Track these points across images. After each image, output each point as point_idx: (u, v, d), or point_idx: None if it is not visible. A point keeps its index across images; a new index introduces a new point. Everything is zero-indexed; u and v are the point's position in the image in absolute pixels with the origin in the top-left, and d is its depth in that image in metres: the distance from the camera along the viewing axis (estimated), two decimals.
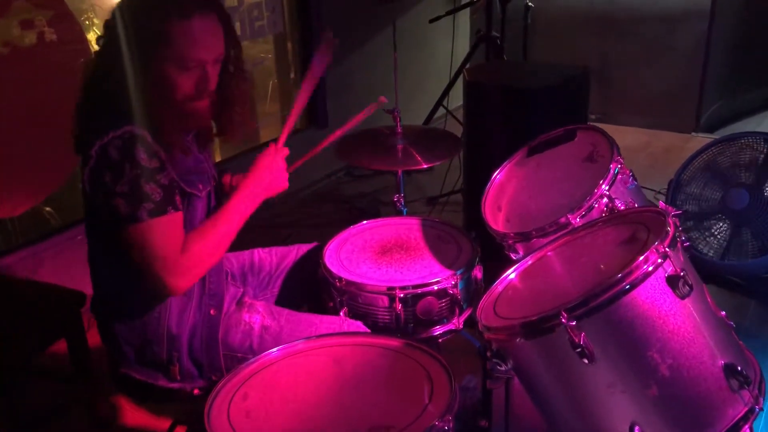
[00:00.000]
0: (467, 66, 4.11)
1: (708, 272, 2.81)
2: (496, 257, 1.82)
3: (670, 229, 1.17)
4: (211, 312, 1.62)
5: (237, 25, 3.52)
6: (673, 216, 1.28)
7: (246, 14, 3.57)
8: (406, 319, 1.72)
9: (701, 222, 2.94)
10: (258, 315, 1.66)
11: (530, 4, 4.26)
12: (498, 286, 1.41)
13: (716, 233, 2.92)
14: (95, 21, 2.92)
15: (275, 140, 1.71)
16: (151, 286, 1.45)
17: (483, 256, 1.82)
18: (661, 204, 1.36)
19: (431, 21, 3.91)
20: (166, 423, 1.80)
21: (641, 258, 1.12)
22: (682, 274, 1.13)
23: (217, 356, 1.61)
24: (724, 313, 1.28)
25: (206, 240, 1.50)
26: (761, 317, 2.72)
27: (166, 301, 1.56)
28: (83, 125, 1.50)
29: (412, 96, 4.53)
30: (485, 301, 1.36)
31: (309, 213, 3.66)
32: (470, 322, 1.83)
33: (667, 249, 1.13)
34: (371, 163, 2.11)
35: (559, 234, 1.51)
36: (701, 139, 4.53)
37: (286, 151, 1.69)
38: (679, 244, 1.18)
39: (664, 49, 4.57)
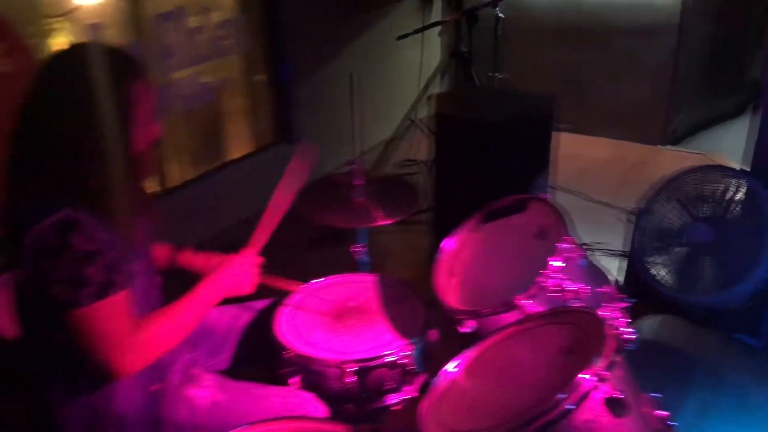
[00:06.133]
0: (435, 87, 4.10)
1: (669, 302, 2.84)
2: None
3: (610, 350, 1.17)
4: (154, 387, 1.59)
5: (204, 44, 3.47)
6: (622, 309, 1.28)
7: (212, 33, 3.51)
8: (359, 391, 1.71)
9: (666, 250, 2.96)
10: (205, 390, 1.64)
11: (501, 15, 4.24)
12: (440, 382, 1.40)
13: (679, 263, 2.94)
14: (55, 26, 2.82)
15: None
16: (97, 370, 1.43)
17: None
18: (607, 289, 1.36)
19: (399, 38, 3.88)
20: None
21: (577, 379, 1.12)
22: (620, 396, 1.13)
23: None
24: (667, 413, 1.29)
25: (164, 323, 1.50)
26: (721, 349, 2.77)
27: (113, 380, 1.52)
28: (15, 201, 1.43)
29: (381, 106, 4.51)
30: (427, 403, 1.35)
31: (278, 237, 3.60)
32: (425, 388, 1.83)
33: (605, 372, 1.13)
34: (327, 219, 2.07)
35: (507, 322, 1.50)
36: (670, 153, 4.58)
37: (259, 260, 1.73)
38: (619, 361, 1.18)
39: (633, 61, 4.59)
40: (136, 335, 1.43)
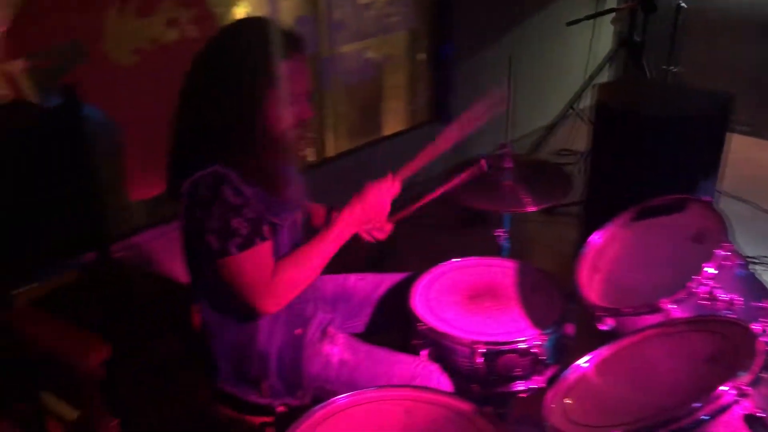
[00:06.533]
0: (602, 77, 3.94)
1: None
2: None
3: (757, 366, 1.09)
4: (297, 332, 1.70)
5: (372, 20, 3.56)
6: None
7: (381, 10, 3.60)
8: (486, 373, 1.72)
9: None
10: (337, 347, 1.73)
11: (683, 4, 3.98)
12: (570, 376, 1.38)
13: None
14: None
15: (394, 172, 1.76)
16: (243, 310, 1.58)
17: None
18: (765, 304, 1.27)
19: (569, 24, 3.76)
20: None
21: (718, 391, 1.06)
22: (762, 416, 1.06)
23: (300, 376, 1.70)
24: None
25: (299, 267, 1.60)
26: None
27: (256, 322, 1.66)
28: (177, 156, 1.60)
29: (543, 92, 4.41)
30: (554, 393, 1.33)
31: (424, 214, 3.61)
32: (554, 379, 1.81)
33: (747, 387, 1.07)
34: (473, 200, 2.07)
35: (648, 323, 1.44)
36: None
37: (398, 188, 1.74)
38: (767, 379, 1.10)
39: None
40: (275, 280, 1.55)
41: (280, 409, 1.72)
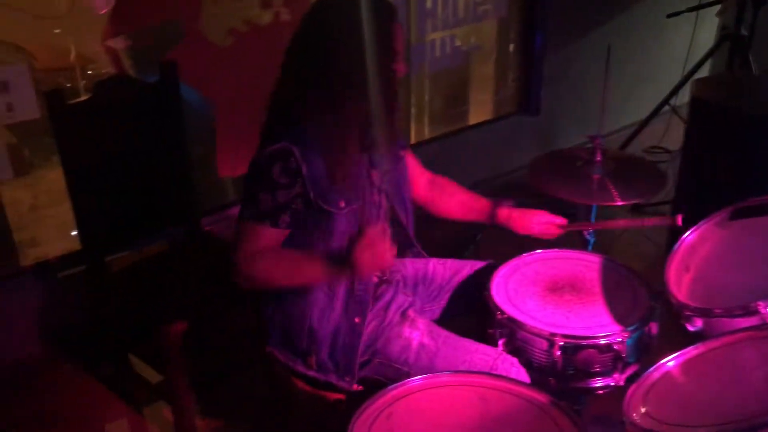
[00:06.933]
0: (704, 72, 3.76)
1: None
2: None
3: None
4: (356, 320, 1.70)
5: (462, 8, 3.53)
6: None
7: None
8: (564, 366, 1.69)
9: None
10: (418, 332, 1.73)
11: None
12: (654, 373, 1.33)
13: None
14: None
15: None
16: None
17: None
18: None
19: (669, 16, 3.61)
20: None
21: None
22: None
23: (353, 362, 1.70)
24: None
25: (274, 269, 1.61)
26: None
27: (310, 297, 1.68)
28: (263, 131, 1.65)
29: (637, 86, 4.27)
30: (636, 389, 1.29)
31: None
32: (633, 378, 1.75)
33: None
34: (559, 191, 2.03)
35: (740, 326, 1.38)
36: None
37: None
38: None
39: None
40: (253, 263, 1.58)
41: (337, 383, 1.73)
